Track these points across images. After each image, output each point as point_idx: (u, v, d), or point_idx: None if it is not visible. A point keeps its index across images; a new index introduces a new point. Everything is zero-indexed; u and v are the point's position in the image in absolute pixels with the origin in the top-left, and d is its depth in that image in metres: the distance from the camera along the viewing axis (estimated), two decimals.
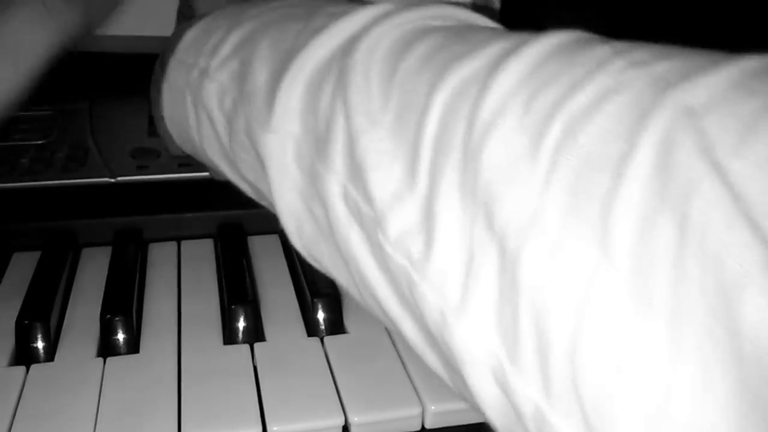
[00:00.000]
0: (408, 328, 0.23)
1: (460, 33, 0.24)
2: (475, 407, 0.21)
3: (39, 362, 0.33)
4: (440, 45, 0.23)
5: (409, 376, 0.32)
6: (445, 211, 0.21)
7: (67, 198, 0.42)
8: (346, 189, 0.24)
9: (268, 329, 0.36)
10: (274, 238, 0.45)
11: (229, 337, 0.35)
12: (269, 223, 0.45)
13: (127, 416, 0.30)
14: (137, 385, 0.31)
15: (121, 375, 0.32)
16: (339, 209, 0.24)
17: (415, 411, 0.31)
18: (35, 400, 0.31)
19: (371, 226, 0.23)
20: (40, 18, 0.32)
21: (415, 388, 0.32)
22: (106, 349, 0.34)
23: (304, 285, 0.38)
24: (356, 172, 0.23)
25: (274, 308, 0.37)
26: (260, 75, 0.27)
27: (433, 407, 0.31)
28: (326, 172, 0.24)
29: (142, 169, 0.44)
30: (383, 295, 0.24)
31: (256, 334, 0.35)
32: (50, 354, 0.34)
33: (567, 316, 0.17)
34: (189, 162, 0.41)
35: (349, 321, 0.37)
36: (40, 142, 0.46)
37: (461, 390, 0.22)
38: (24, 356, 0.34)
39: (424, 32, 0.25)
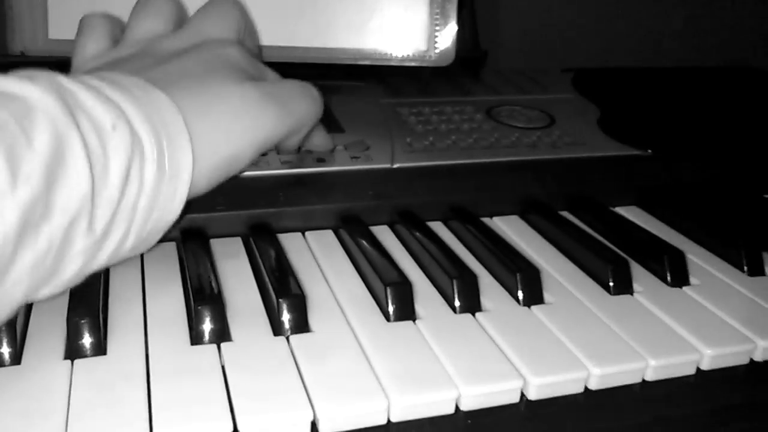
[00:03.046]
0: None
1: None
2: None
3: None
4: None
5: (374, 372, 0.33)
6: None
7: None
8: None
9: (234, 330, 0.36)
10: (236, 240, 0.45)
11: (196, 338, 0.36)
12: (230, 226, 0.46)
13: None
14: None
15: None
16: None
17: (382, 405, 0.32)
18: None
19: None
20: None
21: (380, 383, 0.33)
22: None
23: (269, 286, 0.39)
24: None
25: (240, 309, 0.38)
26: None
27: (398, 398, 0.32)
28: None
29: None
30: None
31: (222, 334, 0.36)
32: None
33: None
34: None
35: (313, 321, 0.37)
36: None
37: None
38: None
39: None
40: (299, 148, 0.50)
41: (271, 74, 0.46)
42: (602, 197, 0.52)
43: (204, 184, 0.39)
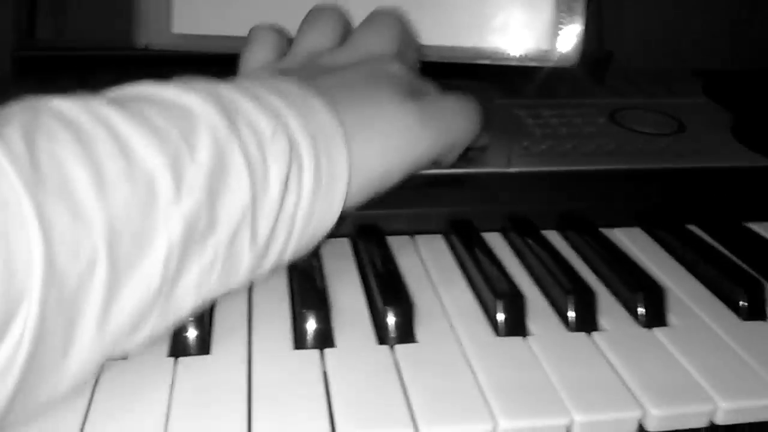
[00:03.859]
0: None
1: None
2: None
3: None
4: None
5: (481, 391, 0.32)
6: None
7: None
8: None
9: (338, 335, 0.36)
10: (344, 242, 0.45)
11: (299, 341, 0.35)
12: (339, 226, 0.45)
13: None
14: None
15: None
16: None
17: (488, 427, 0.30)
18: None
19: None
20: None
21: (487, 403, 0.31)
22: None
23: (376, 291, 0.37)
24: None
25: (345, 313, 0.37)
26: None
27: (505, 422, 0.30)
28: None
29: None
30: None
31: (326, 339, 0.35)
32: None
33: None
34: None
35: (419, 330, 0.36)
36: None
37: None
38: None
39: None
40: None
41: (432, 89, 0.45)
42: (735, 212, 0.49)
43: (354, 199, 0.38)
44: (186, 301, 0.31)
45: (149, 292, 0.29)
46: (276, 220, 0.33)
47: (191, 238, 0.30)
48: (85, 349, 0.27)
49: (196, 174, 0.30)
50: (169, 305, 0.30)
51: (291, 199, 0.33)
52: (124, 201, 0.27)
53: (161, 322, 0.31)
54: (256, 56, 0.46)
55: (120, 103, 0.30)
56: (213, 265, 0.31)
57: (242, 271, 0.33)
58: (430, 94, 0.44)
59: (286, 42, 0.47)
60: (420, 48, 0.51)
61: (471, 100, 0.44)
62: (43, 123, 0.27)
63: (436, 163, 0.43)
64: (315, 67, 0.43)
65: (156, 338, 0.31)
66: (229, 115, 0.32)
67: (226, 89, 0.34)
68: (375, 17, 0.47)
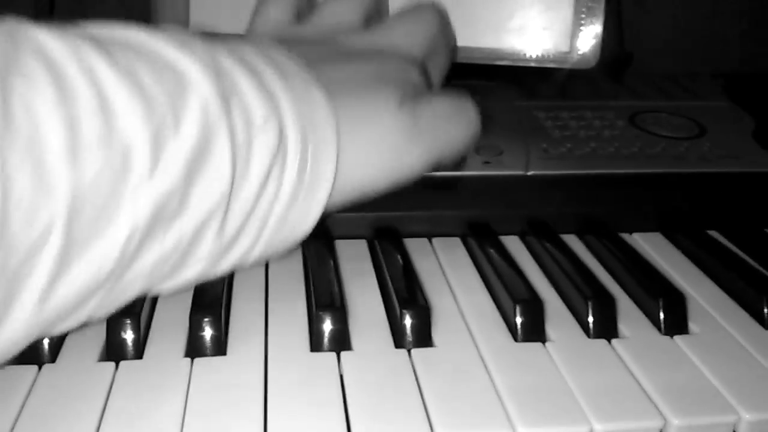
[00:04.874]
0: None
1: None
2: None
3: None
4: None
5: (499, 398, 0.31)
6: None
7: None
8: None
9: (355, 338, 0.35)
10: (361, 243, 0.44)
11: (316, 344, 0.35)
12: (356, 227, 0.45)
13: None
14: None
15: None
16: None
17: None
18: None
19: None
20: None
21: (505, 411, 0.30)
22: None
23: (393, 294, 0.37)
24: None
25: (362, 316, 0.37)
26: None
27: (523, 430, 0.30)
28: None
29: None
30: None
31: (342, 342, 0.35)
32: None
33: None
34: None
35: (436, 334, 0.36)
36: None
37: None
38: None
39: None
40: None
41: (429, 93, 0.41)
42: (757, 218, 0.48)
43: (331, 207, 0.35)
44: (133, 287, 0.29)
45: (100, 273, 0.26)
46: (248, 216, 0.30)
47: (156, 223, 0.27)
48: (20, 323, 0.25)
49: (177, 151, 0.27)
50: (114, 289, 0.28)
51: (268, 197, 0.31)
52: (95, 170, 0.25)
53: (102, 307, 0.28)
54: (269, 13, 0.41)
55: (110, 50, 0.27)
56: (171, 254, 0.28)
57: (197, 267, 0.30)
58: (425, 96, 0.38)
59: (306, 1, 0.43)
60: (454, 51, 0.47)
61: (469, 105, 0.40)
62: (24, 63, 0.24)
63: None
64: (333, 46, 0.38)
65: (90, 322, 0.29)
66: (224, 92, 0.29)
67: (227, 59, 0.30)
68: (416, 9, 0.42)
